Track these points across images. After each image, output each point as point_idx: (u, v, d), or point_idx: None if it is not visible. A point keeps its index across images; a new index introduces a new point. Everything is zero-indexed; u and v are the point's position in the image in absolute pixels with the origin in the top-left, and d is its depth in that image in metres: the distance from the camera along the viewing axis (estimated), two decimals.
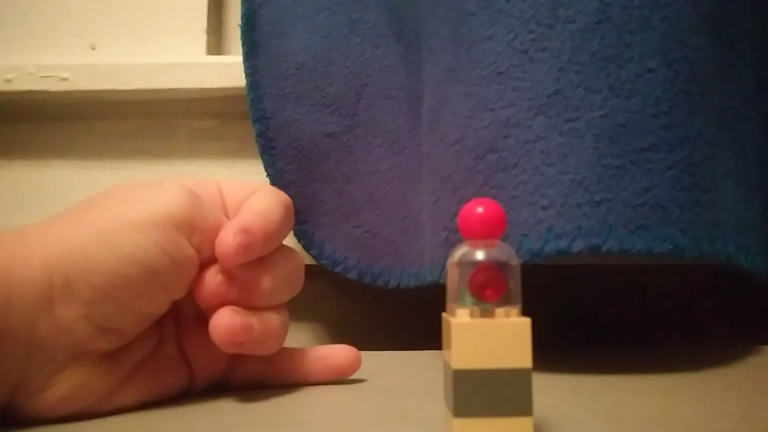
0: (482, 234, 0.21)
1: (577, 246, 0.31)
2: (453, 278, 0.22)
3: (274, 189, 0.32)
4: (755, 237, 0.36)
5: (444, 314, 0.22)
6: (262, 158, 0.41)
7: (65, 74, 0.45)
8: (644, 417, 0.25)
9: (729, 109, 0.36)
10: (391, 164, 0.41)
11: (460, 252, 0.22)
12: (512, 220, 0.33)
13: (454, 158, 0.35)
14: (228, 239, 0.28)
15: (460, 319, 0.21)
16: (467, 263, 0.21)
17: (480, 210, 0.22)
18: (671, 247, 0.31)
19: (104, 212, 0.27)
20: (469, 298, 0.21)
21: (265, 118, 0.41)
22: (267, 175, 0.41)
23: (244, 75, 0.41)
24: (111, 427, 0.25)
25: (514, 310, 0.21)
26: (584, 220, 0.31)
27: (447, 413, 0.22)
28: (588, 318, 0.45)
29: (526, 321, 0.21)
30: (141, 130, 0.47)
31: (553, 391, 0.30)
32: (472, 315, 0.21)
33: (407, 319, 0.45)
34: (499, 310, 0.21)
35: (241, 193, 0.31)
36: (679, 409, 0.27)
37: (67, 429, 0.25)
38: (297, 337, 0.46)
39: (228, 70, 0.44)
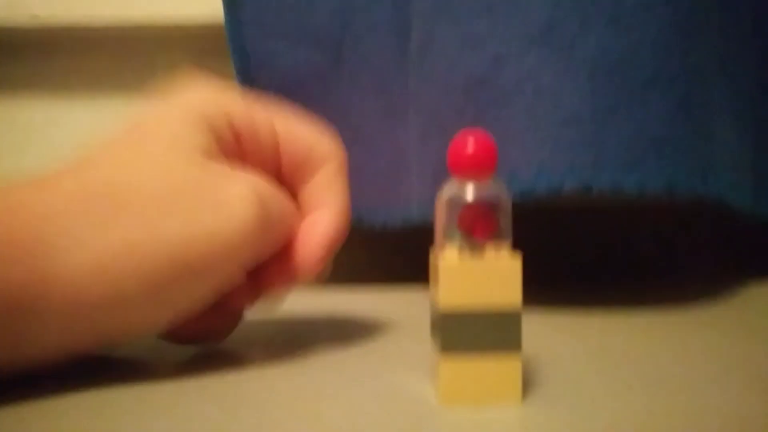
0: (473, 170, 0.20)
1: (569, 185, 0.31)
2: (441, 216, 0.21)
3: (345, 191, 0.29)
4: (746, 175, 0.36)
5: (432, 253, 0.22)
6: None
7: (36, 10, 0.43)
8: (630, 355, 0.26)
9: (726, 45, 0.35)
10: (378, 101, 0.39)
11: (449, 189, 0.21)
12: (503, 157, 0.31)
13: (442, 95, 0.34)
14: (312, 262, 0.26)
15: (448, 261, 0.20)
16: (456, 201, 0.21)
17: (470, 144, 0.21)
18: (664, 185, 0.31)
19: (143, 231, 0.22)
20: (458, 236, 0.21)
21: (245, 53, 0.39)
22: None
23: (222, 7, 0.39)
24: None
25: (505, 249, 0.20)
26: (576, 158, 0.31)
27: (434, 352, 0.21)
28: (573, 256, 0.45)
29: (517, 260, 0.20)
30: (118, 66, 0.46)
31: (538, 330, 0.30)
32: (460, 254, 0.20)
33: (394, 259, 0.45)
34: (489, 249, 0.20)
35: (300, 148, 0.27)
36: (663, 347, 0.27)
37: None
38: None
39: (207, 3, 0.42)
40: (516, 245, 0.21)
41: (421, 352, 0.26)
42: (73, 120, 0.46)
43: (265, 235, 0.24)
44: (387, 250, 0.45)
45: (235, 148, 0.26)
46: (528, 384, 0.22)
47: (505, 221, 0.21)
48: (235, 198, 0.23)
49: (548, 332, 0.30)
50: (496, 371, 0.20)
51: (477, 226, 0.20)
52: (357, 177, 0.41)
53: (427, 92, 0.35)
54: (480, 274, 0.20)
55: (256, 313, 0.28)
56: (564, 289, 0.39)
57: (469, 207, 0.20)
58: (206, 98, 0.26)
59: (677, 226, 0.46)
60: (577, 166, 0.31)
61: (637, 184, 0.30)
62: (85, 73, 0.46)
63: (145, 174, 0.23)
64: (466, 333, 0.20)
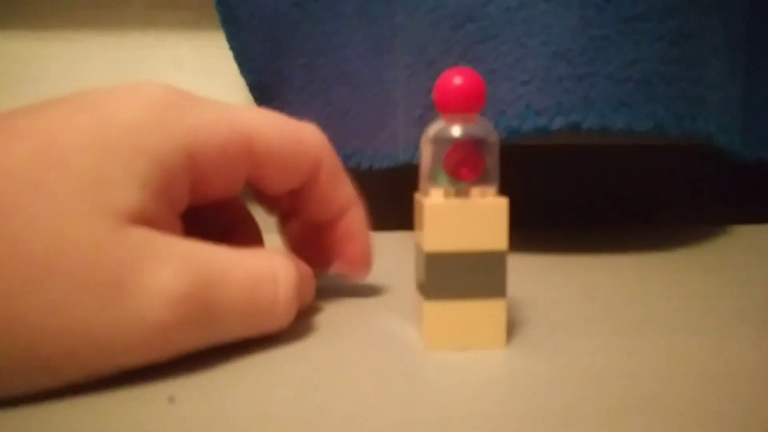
0: (459, 107, 0.20)
1: (557, 123, 0.30)
2: (427, 156, 0.20)
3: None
4: (736, 115, 0.35)
5: (416, 194, 0.21)
6: (223, 29, 0.38)
7: None
8: (616, 297, 0.26)
9: None
10: (363, 36, 0.38)
11: (435, 127, 0.20)
12: (490, 95, 0.31)
13: (429, 28, 0.33)
14: (367, 263, 0.25)
15: (433, 200, 0.20)
16: (443, 140, 0.20)
17: (458, 81, 0.20)
18: (653, 124, 0.30)
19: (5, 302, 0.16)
20: (443, 177, 0.20)
21: None
22: (230, 48, 0.38)
23: None
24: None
25: (491, 190, 0.20)
26: (565, 96, 0.30)
27: (418, 296, 0.21)
28: (560, 198, 0.44)
29: (503, 201, 0.20)
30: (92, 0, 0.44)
31: (526, 272, 0.30)
32: (446, 195, 0.20)
33: (379, 201, 0.44)
34: (476, 190, 0.20)
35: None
36: (649, 288, 0.27)
37: None
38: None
39: None
40: (503, 186, 0.21)
41: (407, 297, 0.26)
42: (48, 55, 0.44)
43: (198, 331, 0.18)
44: (373, 193, 0.44)
45: (193, 180, 0.20)
46: (513, 327, 0.22)
47: (492, 162, 0.20)
48: (153, 289, 0.17)
49: (535, 274, 0.30)
50: (481, 314, 0.20)
51: (463, 166, 0.20)
52: (343, 117, 0.40)
53: (414, 26, 0.34)
54: (466, 214, 0.19)
55: None
56: (550, 232, 0.39)
57: (455, 145, 0.20)
58: (159, 116, 0.19)
59: (666, 166, 0.46)
60: (566, 104, 0.30)
61: (625, 124, 0.30)
62: (59, 6, 0.44)
63: (35, 230, 0.16)
64: (450, 275, 0.20)
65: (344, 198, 0.24)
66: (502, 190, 0.21)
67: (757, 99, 0.37)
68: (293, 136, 0.22)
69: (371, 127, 0.39)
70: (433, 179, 0.20)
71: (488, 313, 0.20)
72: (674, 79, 0.30)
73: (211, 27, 0.42)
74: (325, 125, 0.39)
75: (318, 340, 0.21)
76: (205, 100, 0.21)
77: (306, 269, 0.23)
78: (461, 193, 0.20)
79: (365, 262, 0.25)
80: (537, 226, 0.39)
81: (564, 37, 0.30)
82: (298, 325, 0.23)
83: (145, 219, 0.18)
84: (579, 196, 0.45)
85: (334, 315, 0.24)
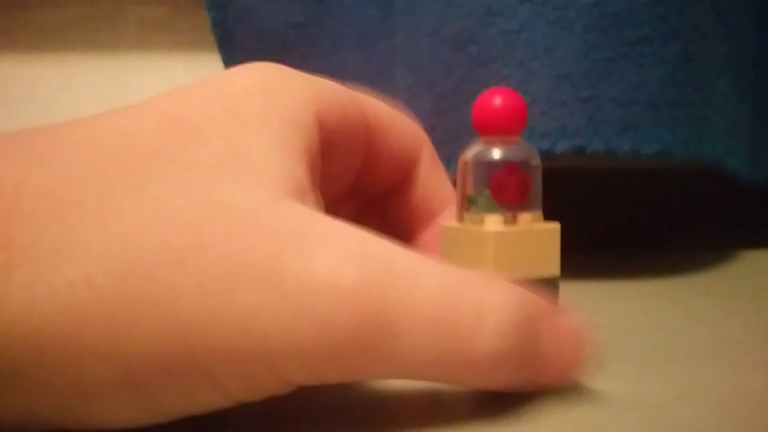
0: (501, 129, 0.19)
1: (561, 146, 0.30)
2: (466, 179, 0.19)
3: None
4: (743, 139, 0.35)
5: (446, 223, 0.20)
6: (219, 51, 0.38)
7: None
8: (624, 324, 0.25)
9: (725, 4, 0.34)
10: (362, 58, 0.38)
11: (474, 150, 0.19)
12: None
13: (430, 50, 0.33)
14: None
15: (495, 227, 0.18)
16: (483, 161, 0.19)
17: (499, 102, 0.19)
18: (659, 148, 0.30)
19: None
20: (485, 202, 0.19)
21: (221, 6, 0.37)
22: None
23: None
24: None
25: (538, 215, 0.19)
26: (569, 118, 0.30)
27: None
28: (565, 223, 0.44)
29: (556, 226, 0.19)
30: (85, 20, 0.44)
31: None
32: (505, 222, 0.19)
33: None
34: (524, 215, 0.19)
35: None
36: (658, 314, 0.26)
37: None
38: None
39: None
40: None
41: None
42: (40, 77, 0.44)
43: (374, 348, 0.14)
44: None
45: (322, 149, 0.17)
46: None
47: (537, 186, 0.19)
48: (317, 279, 0.14)
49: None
50: None
51: (510, 189, 0.19)
52: None
53: (414, 48, 0.34)
54: (525, 242, 0.19)
55: None
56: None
57: (503, 169, 0.19)
58: (279, 79, 0.17)
59: (672, 190, 0.45)
60: (570, 127, 0.30)
61: (631, 147, 0.30)
62: (52, 27, 0.44)
63: (181, 198, 0.14)
64: None
65: (446, 195, 0.21)
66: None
67: (765, 122, 0.37)
68: (398, 112, 0.20)
69: None
70: (471, 204, 0.19)
71: None
72: (680, 103, 0.30)
73: (206, 49, 0.42)
74: None
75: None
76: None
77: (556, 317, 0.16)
78: (508, 219, 0.19)
79: None
80: None
81: (567, 59, 0.30)
82: None
83: (299, 190, 0.15)
84: (585, 220, 0.45)
85: None
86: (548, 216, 0.20)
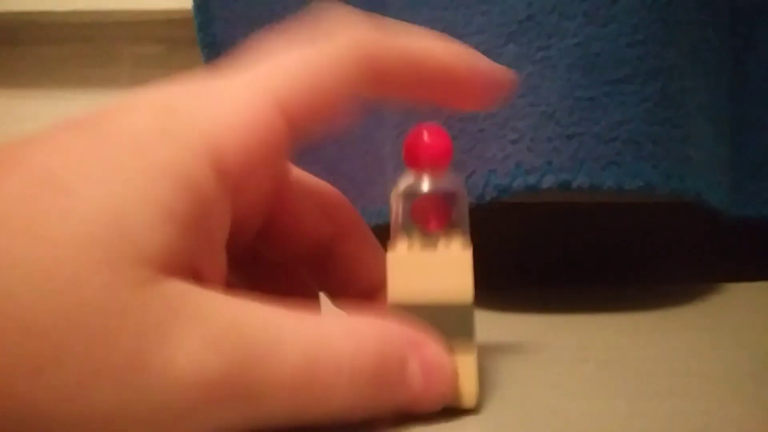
0: (427, 163, 0.21)
1: (547, 182, 0.30)
2: (397, 209, 0.21)
3: None
4: (724, 174, 0.36)
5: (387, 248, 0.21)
6: None
7: None
8: (610, 357, 0.25)
9: (704, 40, 0.35)
10: None
11: (404, 181, 0.21)
12: (480, 154, 0.31)
13: None
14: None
15: (396, 252, 0.20)
16: (412, 193, 0.21)
17: (425, 138, 0.21)
18: (642, 183, 0.30)
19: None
20: (413, 231, 0.20)
21: (214, 44, 0.38)
22: None
23: None
24: None
25: (458, 243, 0.20)
26: (554, 154, 0.30)
27: None
28: (550, 257, 0.44)
29: (467, 253, 0.20)
30: (80, 57, 0.44)
31: (516, 332, 0.29)
32: (410, 247, 0.20)
33: None
34: (443, 242, 0.20)
35: None
36: (643, 348, 0.27)
37: None
38: None
39: None
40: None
41: None
42: (35, 114, 0.44)
43: (231, 415, 0.15)
44: None
45: (231, 195, 0.17)
46: (504, 389, 0.21)
47: (460, 214, 0.20)
48: (180, 368, 0.14)
49: (526, 333, 0.29)
50: None
51: (430, 217, 0.20)
52: (331, 176, 0.40)
53: None
54: (429, 265, 0.19)
55: None
56: (539, 291, 0.39)
57: (422, 198, 0.20)
58: (163, 123, 0.16)
59: (654, 225, 0.46)
60: (555, 163, 0.30)
61: (615, 183, 0.30)
62: (46, 64, 0.44)
63: (37, 292, 0.13)
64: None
65: (377, 273, 0.21)
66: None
67: (744, 157, 0.38)
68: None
69: (360, 185, 0.39)
70: (402, 232, 0.20)
71: (457, 366, 0.19)
72: (661, 139, 0.31)
73: None
74: None
75: None
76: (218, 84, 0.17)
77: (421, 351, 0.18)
78: (428, 245, 0.20)
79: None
80: (525, 284, 0.39)
81: (551, 97, 0.30)
82: None
83: (179, 264, 0.14)
84: (570, 254, 0.45)
85: None
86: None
